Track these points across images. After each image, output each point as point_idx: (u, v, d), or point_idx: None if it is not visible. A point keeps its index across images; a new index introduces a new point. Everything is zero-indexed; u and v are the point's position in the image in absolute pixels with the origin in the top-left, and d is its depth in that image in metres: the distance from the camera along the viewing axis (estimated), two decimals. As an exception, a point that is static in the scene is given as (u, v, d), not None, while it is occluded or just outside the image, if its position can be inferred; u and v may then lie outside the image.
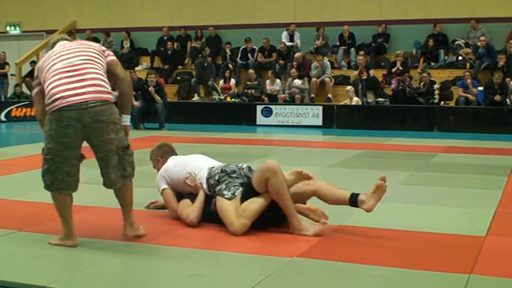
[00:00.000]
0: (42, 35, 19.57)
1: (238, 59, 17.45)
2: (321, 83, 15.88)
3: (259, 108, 15.08)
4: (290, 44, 17.19)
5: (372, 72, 15.56)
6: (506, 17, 15.62)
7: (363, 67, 15.44)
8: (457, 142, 10.94)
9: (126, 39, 19.16)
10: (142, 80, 14.46)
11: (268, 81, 16.09)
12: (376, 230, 4.53)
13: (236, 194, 4.59)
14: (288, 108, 14.92)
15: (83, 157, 4.31)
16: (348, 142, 11.14)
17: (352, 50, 16.80)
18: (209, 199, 4.83)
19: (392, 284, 3.57)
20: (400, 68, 15.25)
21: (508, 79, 13.98)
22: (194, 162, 5.06)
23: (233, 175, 4.74)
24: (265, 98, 15.74)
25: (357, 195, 4.50)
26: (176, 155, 5.39)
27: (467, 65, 15.37)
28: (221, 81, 16.79)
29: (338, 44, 17.23)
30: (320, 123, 14.47)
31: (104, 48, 4.45)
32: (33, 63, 17.54)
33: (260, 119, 14.99)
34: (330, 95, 15.65)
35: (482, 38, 15.27)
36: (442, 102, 14.39)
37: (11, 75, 18.83)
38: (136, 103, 13.57)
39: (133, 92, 13.74)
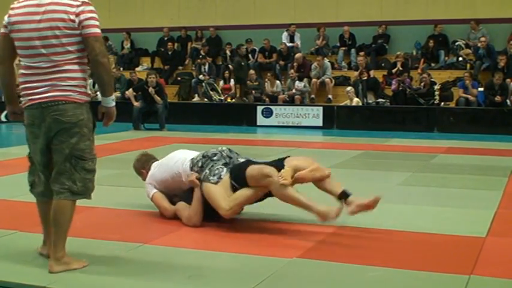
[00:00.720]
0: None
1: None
2: (321, 84, 15.87)
3: (259, 108, 15.07)
4: (290, 44, 17.19)
5: (372, 73, 15.55)
6: (507, 17, 15.61)
7: (363, 68, 15.43)
8: (457, 143, 10.94)
9: (127, 39, 19.17)
10: (143, 80, 14.45)
11: (267, 84, 16.08)
12: (376, 231, 4.53)
13: (222, 176, 4.59)
14: (288, 108, 14.91)
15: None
16: (348, 143, 11.14)
17: (353, 50, 16.80)
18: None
19: (393, 285, 3.57)
20: (400, 69, 15.24)
21: (508, 80, 13.97)
22: (176, 159, 5.05)
23: (214, 158, 4.76)
24: (266, 99, 15.74)
25: (348, 194, 4.48)
26: (156, 159, 5.41)
27: (468, 65, 15.36)
28: (221, 82, 16.79)
29: (338, 44, 17.23)
30: (320, 124, 14.46)
31: (82, 8, 3.62)
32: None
33: (260, 119, 14.98)
34: (330, 96, 15.65)
35: (482, 38, 15.26)
36: (443, 103, 14.38)
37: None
38: (136, 103, 13.57)
39: (134, 93, 13.81)
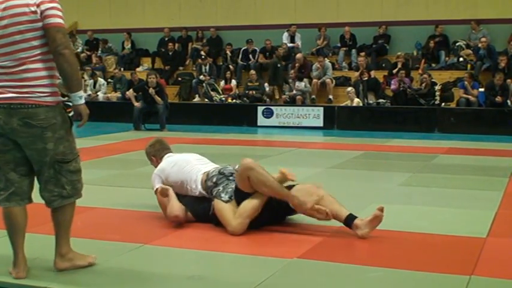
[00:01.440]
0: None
1: (239, 60, 17.45)
2: (321, 84, 15.87)
3: (260, 109, 15.07)
4: (291, 45, 17.19)
5: (372, 73, 15.55)
6: (507, 18, 15.60)
7: (364, 68, 15.43)
8: (458, 143, 10.93)
9: (127, 40, 19.17)
10: (143, 81, 14.46)
11: (267, 84, 16.08)
12: (376, 232, 4.52)
13: (233, 197, 4.61)
14: (289, 109, 14.90)
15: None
16: (348, 143, 11.14)
17: (353, 51, 16.80)
18: (206, 200, 4.84)
19: (393, 286, 3.57)
20: (400, 67, 15.20)
21: (508, 80, 13.96)
22: (191, 166, 5.05)
23: (231, 177, 4.76)
24: (267, 99, 15.74)
25: (354, 218, 4.47)
26: (170, 151, 5.39)
27: (468, 66, 15.36)
28: (222, 82, 16.79)
29: (339, 45, 17.23)
30: (321, 124, 14.45)
31: (41, 1, 3.43)
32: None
33: (261, 120, 14.98)
34: (330, 96, 15.64)
35: (483, 39, 15.26)
36: (443, 104, 14.37)
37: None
38: (137, 104, 13.57)
39: (134, 93, 13.81)
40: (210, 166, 5.07)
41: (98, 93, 16.84)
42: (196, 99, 16.79)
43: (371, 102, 15.03)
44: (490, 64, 14.97)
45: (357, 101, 14.74)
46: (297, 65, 15.97)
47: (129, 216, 5.17)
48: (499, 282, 3.60)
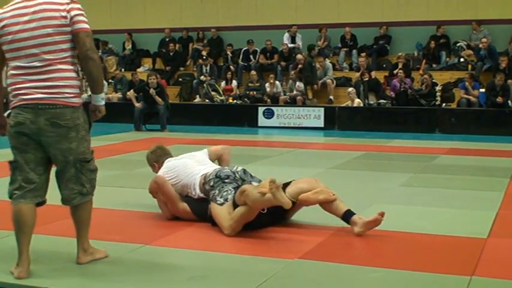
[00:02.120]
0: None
1: (240, 61, 17.46)
2: (322, 85, 15.87)
3: (260, 109, 15.07)
4: (292, 45, 17.19)
5: (373, 74, 15.54)
6: (508, 18, 15.59)
7: (365, 69, 15.42)
8: (459, 144, 10.93)
9: (128, 40, 19.18)
10: (144, 81, 14.46)
11: (267, 85, 16.08)
12: (377, 232, 4.52)
13: (228, 199, 4.62)
14: (290, 109, 14.90)
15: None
16: (349, 144, 11.14)
17: (354, 51, 16.80)
18: (204, 201, 4.86)
19: (394, 286, 3.57)
20: (400, 71, 15.18)
21: (509, 81, 13.95)
22: (190, 169, 5.07)
23: (226, 180, 4.77)
24: (268, 100, 15.74)
25: (352, 214, 4.50)
26: (171, 156, 5.40)
27: (469, 66, 15.35)
28: (223, 83, 16.80)
29: (340, 45, 17.22)
30: (321, 124, 14.44)
31: (71, 6, 3.64)
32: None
33: (262, 120, 14.97)
34: (331, 97, 15.64)
35: (484, 39, 15.25)
36: (444, 104, 14.36)
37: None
38: (137, 104, 13.57)
39: (135, 94, 13.82)
40: (209, 167, 5.07)
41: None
42: (197, 99, 16.79)
43: (372, 102, 15.03)
44: (490, 65, 14.96)
45: (357, 102, 14.73)
46: (299, 66, 15.97)
47: (130, 217, 5.18)
48: (500, 282, 3.60)
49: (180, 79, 17.65)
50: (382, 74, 15.86)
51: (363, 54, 16.19)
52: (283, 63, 16.81)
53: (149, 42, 19.04)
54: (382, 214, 4.43)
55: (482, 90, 14.13)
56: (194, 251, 4.19)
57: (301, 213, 4.88)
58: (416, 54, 16.57)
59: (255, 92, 16.06)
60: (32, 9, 3.59)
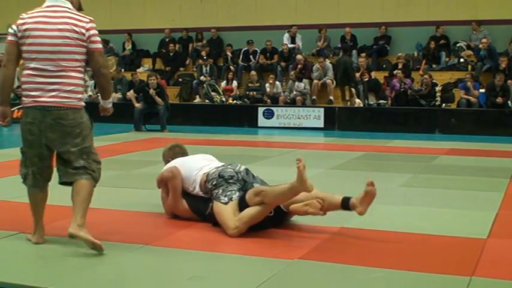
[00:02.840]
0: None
1: (239, 61, 17.46)
2: (322, 85, 15.88)
3: (260, 110, 15.07)
4: (292, 45, 17.20)
5: (373, 74, 15.56)
6: (508, 19, 15.61)
7: (365, 69, 15.43)
8: (459, 144, 10.94)
9: (128, 40, 19.19)
10: (144, 81, 14.46)
11: (267, 85, 16.10)
12: (377, 232, 4.53)
13: (233, 198, 4.61)
14: (290, 110, 14.91)
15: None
16: (349, 144, 11.14)
17: (354, 52, 16.81)
18: (201, 200, 4.86)
19: (394, 286, 3.57)
20: (399, 72, 15.18)
21: (509, 81, 13.97)
22: (193, 165, 5.06)
23: (230, 181, 4.76)
24: (268, 100, 15.75)
25: (349, 198, 4.51)
26: (187, 155, 5.40)
27: (469, 67, 15.36)
28: (223, 83, 16.81)
29: (339, 45, 17.23)
30: (321, 125, 14.45)
31: (90, 25, 4.21)
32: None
33: (262, 120, 14.98)
34: (331, 97, 15.66)
35: (484, 40, 15.26)
36: (444, 105, 14.37)
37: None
38: (137, 105, 13.57)
39: (135, 94, 13.83)
40: (213, 165, 5.05)
41: (99, 94, 16.82)
42: (197, 100, 16.80)
43: (372, 103, 15.03)
44: (490, 65, 14.98)
45: (357, 102, 14.74)
46: (299, 66, 15.98)
47: (130, 217, 5.18)
48: (500, 283, 3.60)
49: (180, 79, 17.66)
50: (382, 74, 15.87)
51: (363, 54, 16.20)
52: (283, 64, 16.82)
53: (149, 43, 19.05)
54: (370, 183, 4.43)
55: (482, 90, 14.14)
56: (194, 251, 4.19)
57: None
58: (416, 54, 16.58)
59: (255, 93, 16.07)
60: (56, 20, 4.12)
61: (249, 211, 4.47)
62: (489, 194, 6.32)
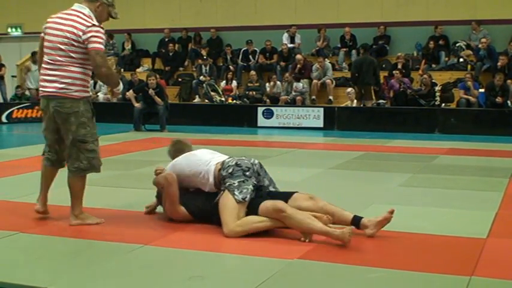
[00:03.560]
0: (44, 37, 19.59)
1: (239, 61, 17.47)
2: (322, 85, 15.88)
3: (260, 109, 15.08)
4: (291, 45, 17.20)
5: (373, 74, 15.54)
6: (508, 19, 15.62)
7: (364, 69, 15.42)
8: (458, 144, 10.94)
9: (128, 40, 19.19)
10: (144, 81, 14.46)
11: (268, 84, 16.10)
12: (377, 232, 4.52)
13: (246, 199, 4.53)
14: (289, 110, 14.91)
15: None
16: (349, 144, 11.14)
17: (353, 51, 16.81)
18: (207, 196, 4.79)
19: (393, 286, 3.57)
20: (397, 72, 15.17)
21: (509, 81, 13.97)
22: (200, 157, 4.97)
23: (247, 173, 4.65)
24: (267, 100, 15.75)
25: (360, 218, 4.49)
26: (191, 149, 5.32)
27: (469, 66, 15.36)
28: (222, 83, 16.81)
29: (339, 45, 17.24)
30: (321, 125, 14.45)
31: (90, 29, 4.67)
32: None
33: (261, 120, 14.98)
34: (331, 97, 15.66)
35: (483, 39, 15.26)
36: (443, 104, 14.38)
37: (12, 76, 18.85)
38: (137, 104, 13.57)
39: (134, 94, 13.84)
40: (224, 157, 5.00)
41: (98, 93, 16.82)
42: (197, 99, 16.80)
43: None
44: (490, 65, 14.98)
45: (356, 102, 14.74)
46: (298, 66, 15.98)
47: (130, 217, 5.17)
48: (499, 282, 3.60)
49: (180, 79, 17.67)
50: (382, 74, 15.84)
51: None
52: (282, 64, 16.82)
53: (149, 43, 19.05)
54: (391, 212, 4.44)
55: (482, 90, 14.14)
56: (194, 251, 4.19)
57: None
58: (415, 54, 16.58)
59: (254, 92, 16.08)
60: (64, 21, 4.73)
61: (255, 224, 4.44)
62: (489, 193, 6.32)
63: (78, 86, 4.70)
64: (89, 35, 4.63)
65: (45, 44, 4.79)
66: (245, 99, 16.10)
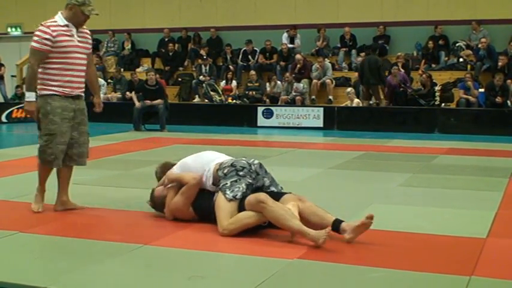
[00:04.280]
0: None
1: (239, 61, 17.47)
2: (321, 85, 15.88)
3: (260, 109, 15.08)
4: (291, 45, 17.20)
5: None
6: (507, 18, 15.62)
7: (365, 69, 15.41)
8: (458, 144, 10.94)
9: (128, 40, 19.18)
10: (143, 81, 14.46)
11: (267, 84, 16.09)
12: (376, 232, 4.53)
13: (237, 196, 4.56)
14: (289, 109, 14.91)
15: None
16: (348, 144, 11.14)
17: (353, 51, 16.82)
18: (210, 195, 4.80)
19: (393, 286, 3.57)
20: (395, 68, 15.14)
21: (509, 81, 13.97)
22: (204, 158, 4.99)
23: (241, 172, 4.68)
24: (267, 100, 15.75)
25: (340, 222, 4.41)
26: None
27: (468, 66, 15.37)
28: (222, 83, 16.81)
29: (339, 45, 17.23)
30: (321, 124, 14.45)
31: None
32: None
33: (261, 120, 14.98)
34: (330, 97, 15.66)
35: (483, 39, 15.26)
36: (443, 104, 14.38)
37: (12, 76, 18.85)
38: (138, 104, 13.57)
39: (134, 94, 13.84)
40: (223, 157, 5.01)
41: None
42: (196, 99, 16.80)
43: (371, 102, 15.03)
44: (490, 64, 14.98)
45: (356, 102, 14.75)
46: (298, 66, 15.98)
47: (130, 217, 5.18)
48: (499, 282, 3.60)
49: (180, 79, 17.66)
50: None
51: (362, 54, 16.19)
52: (282, 63, 16.82)
53: (148, 42, 19.04)
54: (371, 217, 4.31)
55: (482, 90, 14.14)
56: (194, 251, 4.19)
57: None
58: (415, 54, 16.58)
59: (254, 92, 16.08)
60: (84, 34, 5.31)
61: (244, 220, 4.45)
62: (488, 193, 6.32)
63: (42, 85, 5.15)
64: (90, 45, 5.40)
65: (57, 50, 5.24)
66: (245, 99, 16.10)
